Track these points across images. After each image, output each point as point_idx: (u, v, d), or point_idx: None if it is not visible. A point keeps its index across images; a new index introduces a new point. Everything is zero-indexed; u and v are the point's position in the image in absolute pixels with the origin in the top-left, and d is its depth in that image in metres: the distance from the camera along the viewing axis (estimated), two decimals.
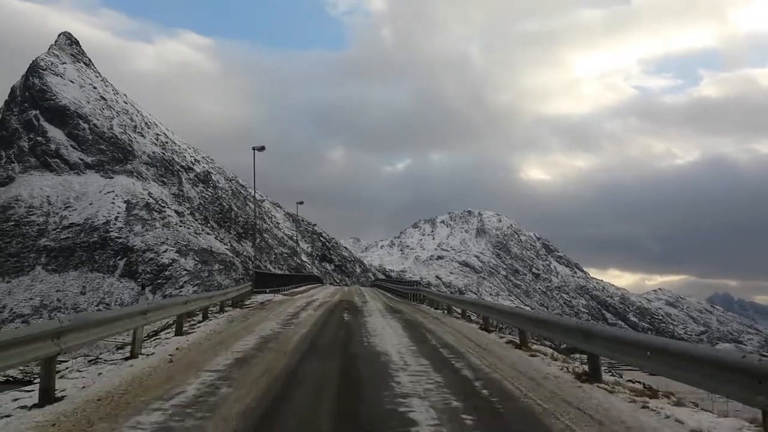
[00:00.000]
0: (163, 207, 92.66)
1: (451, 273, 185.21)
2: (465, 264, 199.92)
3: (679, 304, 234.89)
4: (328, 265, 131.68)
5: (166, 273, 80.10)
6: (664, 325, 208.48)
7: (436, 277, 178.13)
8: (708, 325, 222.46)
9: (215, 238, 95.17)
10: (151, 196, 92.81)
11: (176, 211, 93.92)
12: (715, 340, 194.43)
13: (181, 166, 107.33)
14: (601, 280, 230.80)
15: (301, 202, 59.14)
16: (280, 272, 73.47)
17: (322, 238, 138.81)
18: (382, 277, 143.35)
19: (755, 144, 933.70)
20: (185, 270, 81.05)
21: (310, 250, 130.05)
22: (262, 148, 49.44)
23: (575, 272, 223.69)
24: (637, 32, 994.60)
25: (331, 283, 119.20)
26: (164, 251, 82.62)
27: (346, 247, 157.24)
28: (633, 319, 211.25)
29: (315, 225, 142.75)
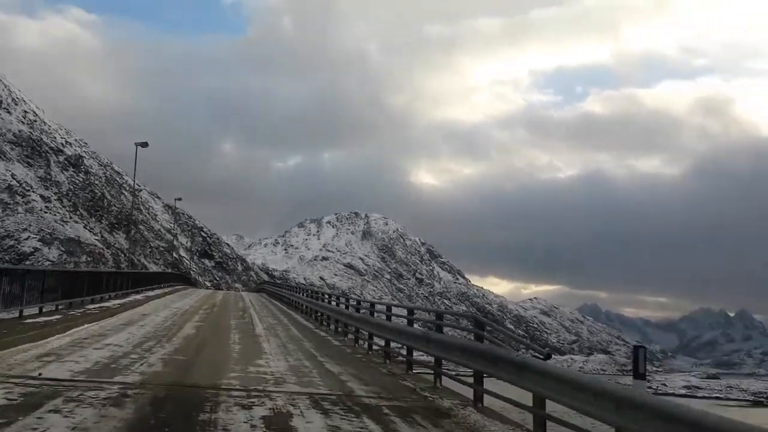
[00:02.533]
0: (28, 191, 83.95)
1: (336, 275, 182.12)
2: (350, 266, 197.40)
3: (552, 313, 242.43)
4: (208, 261, 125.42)
5: (27, 263, 72.12)
6: (538, 333, 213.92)
7: (320, 278, 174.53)
8: (579, 335, 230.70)
9: (84, 227, 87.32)
10: (14, 178, 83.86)
11: (42, 196, 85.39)
12: (586, 349, 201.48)
13: (51, 148, 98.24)
14: (481, 288, 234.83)
15: (179, 198, 54.02)
16: (108, 270, 53.13)
17: (203, 233, 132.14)
18: (265, 277, 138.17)
19: (632, 161, 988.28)
20: (48, 260, 73.31)
21: (189, 245, 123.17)
22: (144, 144, 45.10)
23: (457, 279, 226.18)
24: (531, 43, 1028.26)
25: (211, 285, 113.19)
26: (26, 239, 74.49)
27: (228, 244, 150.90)
28: (510, 326, 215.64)
29: (195, 219, 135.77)
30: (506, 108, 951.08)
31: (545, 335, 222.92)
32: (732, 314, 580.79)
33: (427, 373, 12.81)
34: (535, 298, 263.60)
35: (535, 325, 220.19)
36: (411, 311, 15.72)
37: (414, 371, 13.34)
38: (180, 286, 52.80)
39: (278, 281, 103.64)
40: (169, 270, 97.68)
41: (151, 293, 36.03)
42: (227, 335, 18.86)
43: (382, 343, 15.41)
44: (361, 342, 17.93)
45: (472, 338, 10.60)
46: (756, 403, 36.24)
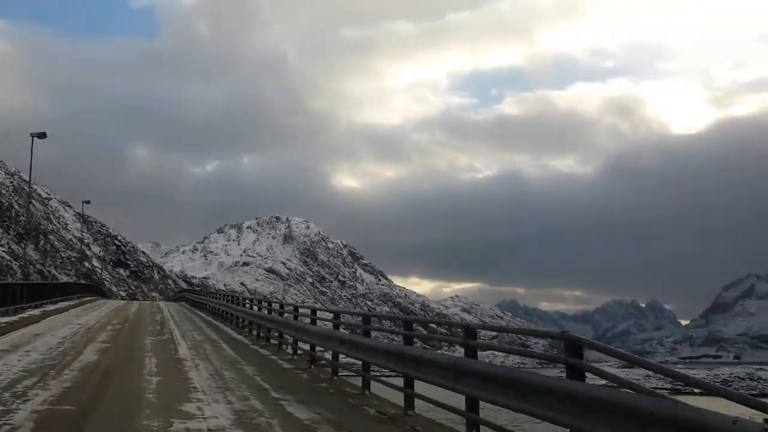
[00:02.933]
0: None
1: (257, 280, 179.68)
2: (271, 271, 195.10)
3: (473, 310, 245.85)
4: (123, 270, 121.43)
5: None
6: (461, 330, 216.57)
7: (241, 284, 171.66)
8: (499, 332, 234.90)
9: None
10: None
11: None
12: (506, 344, 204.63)
13: None
14: (404, 288, 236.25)
15: (88, 202, 50.37)
16: None
17: (117, 242, 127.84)
18: (183, 285, 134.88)
19: (547, 161, 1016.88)
20: None
21: (102, 254, 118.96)
22: (42, 135, 42.31)
23: (380, 280, 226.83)
24: (448, 47, 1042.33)
25: (126, 295, 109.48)
26: None
27: (144, 252, 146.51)
28: (432, 325, 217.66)
29: (108, 228, 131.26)
30: (425, 110, 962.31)
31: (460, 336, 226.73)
32: (644, 305, 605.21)
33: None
34: (456, 296, 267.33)
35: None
36: (337, 315, 15.26)
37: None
38: (89, 298, 47.20)
39: (198, 288, 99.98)
40: (82, 281, 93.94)
41: (52, 307, 31.11)
42: (141, 361, 14.32)
43: (329, 355, 14.03)
44: (301, 353, 15.89)
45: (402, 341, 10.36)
46: (674, 391, 37.50)
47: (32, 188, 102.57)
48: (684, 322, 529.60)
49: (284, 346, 17.70)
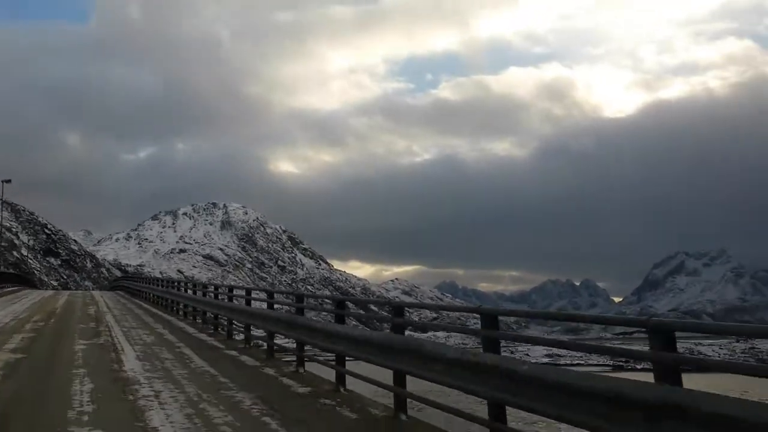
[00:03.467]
0: None
1: (194, 267, 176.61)
2: (209, 257, 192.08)
3: (413, 292, 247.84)
4: (53, 259, 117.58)
5: None
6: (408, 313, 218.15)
7: (178, 271, 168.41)
8: (439, 312, 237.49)
9: None
10: None
11: None
12: (447, 325, 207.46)
13: None
14: (344, 272, 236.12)
15: (8, 181, 47.20)
16: None
17: (47, 230, 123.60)
18: (118, 273, 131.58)
19: (484, 144, 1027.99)
20: None
21: (32, 243, 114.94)
22: (8, 181, 43.61)
23: (320, 264, 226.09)
24: (384, 32, 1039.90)
25: (58, 284, 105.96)
26: None
27: (75, 240, 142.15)
28: (374, 308, 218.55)
29: (38, 216, 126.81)
30: (362, 95, 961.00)
31: (407, 314, 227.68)
32: (578, 283, 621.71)
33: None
34: (396, 279, 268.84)
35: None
36: (271, 294, 14.97)
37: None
38: (11, 288, 42.11)
39: (135, 276, 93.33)
40: (11, 270, 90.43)
41: None
42: (64, 391, 8.77)
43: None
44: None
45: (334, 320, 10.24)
46: (616, 368, 37.98)
47: None
48: (617, 300, 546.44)
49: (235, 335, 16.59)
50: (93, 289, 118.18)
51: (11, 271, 75.43)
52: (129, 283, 48.11)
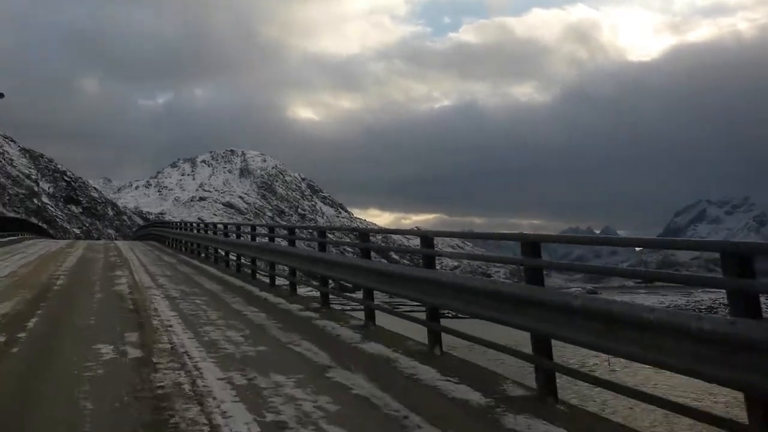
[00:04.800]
0: None
1: (215, 215, 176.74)
2: (229, 205, 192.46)
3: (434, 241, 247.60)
4: (74, 207, 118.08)
5: None
6: (422, 260, 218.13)
7: (199, 218, 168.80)
8: (460, 261, 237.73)
9: None
10: None
11: None
12: (468, 274, 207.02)
13: None
14: (364, 220, 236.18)
15: (1, 95, 40.91)
16: None
17: (66, 177, 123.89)
18: (139, 221, 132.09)
19: (506, 89, 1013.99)
20: None
21: (52, 190, 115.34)
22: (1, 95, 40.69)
23: (339, 212, 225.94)
24: None
25: (81, 233, 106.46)
26: None
27: (96, 188, 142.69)
28: (395, 256, 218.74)
29: (57, 163, 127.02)
30: (382, 38, 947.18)
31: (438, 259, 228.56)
32: (598, 231, 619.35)
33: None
34: (416, 227, 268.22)
35: (419, 255, 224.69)
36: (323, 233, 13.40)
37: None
38: (12, 238, 35.18)
39: (165, 222, 68.76)
40: (33, 219, 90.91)
41: None
42: None
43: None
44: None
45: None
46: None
47: None
48: (638, 248, 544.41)
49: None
50: (116, 239, 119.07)
51: (17, 216, 72.13)
52: (165, 230, 37.67)
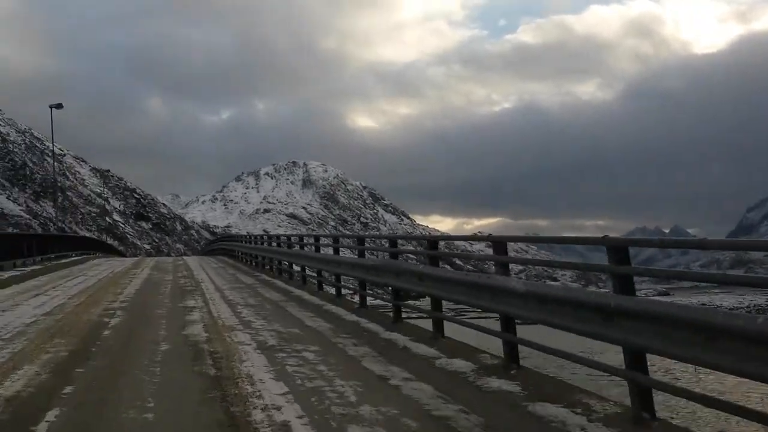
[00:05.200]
0: None
1: (279, 226, 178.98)
2: (293, 216, 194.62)
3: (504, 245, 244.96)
4: (144, 223, 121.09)
5: None
6: (486, 266, 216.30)
7: (264, 230, 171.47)
8: (526, 266, 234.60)
9: (7, 198, 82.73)
10: None
11: None
12: (533, 278, 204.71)
13: None
14: (427, 226, 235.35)
15: (59, 106, 39.89)
16: None
17: (136, 195, 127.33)
18: (207, 235, 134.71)
19: (567, 88, 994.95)
20: None
21: (122, 208, 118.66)
22: (59, 106, 41.69)
23: (402, 219, 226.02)
24: None
25: (151, 248, 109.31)
26: None
27: (164, 204, 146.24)
28: (459, 262, 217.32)
29: (126, 181, 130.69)
30: (440, 43, 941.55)
31: (493, 267, 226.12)
32: (667, 230, 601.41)
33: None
34: (479, 232, 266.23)
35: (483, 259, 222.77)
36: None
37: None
38: (74, 258, 32.50)
39: (234, 236, 68.25)
40: (105, 237, 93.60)
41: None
42: None
43: None
44: None
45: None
46: None
47: (56, 150, 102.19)
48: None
49: None
50: (185, 253, 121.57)
51: (89, 234, 72.55)
52: (234, 244, 36.15)
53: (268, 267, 23.68)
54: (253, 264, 26.61)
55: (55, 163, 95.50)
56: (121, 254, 62.54)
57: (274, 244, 24.57)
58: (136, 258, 49.12)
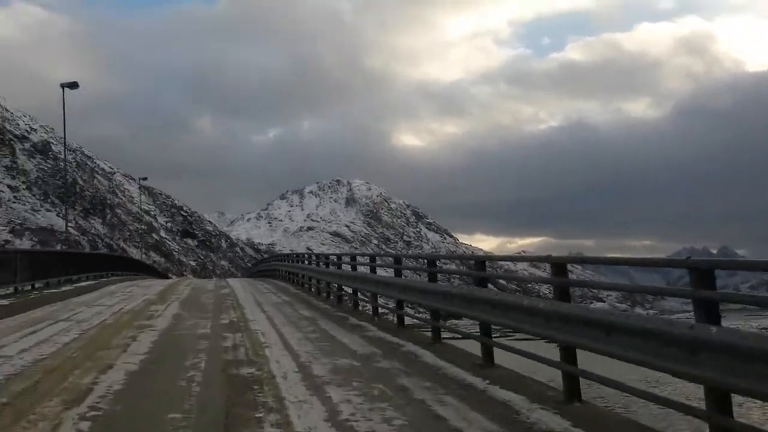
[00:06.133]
0: None
1: (323, 244, 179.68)
2: (336, 234, 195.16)
3: (541, 265, 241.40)
4: (190, 241, 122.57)
5: None
6: (530, 285, 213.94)
7: (307, 248, 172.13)
8: (592, 288, 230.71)
9: (57, 215, 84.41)
10: None
11: (9, 186, 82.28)
12: (578, 298, 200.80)
13: (15, 136, 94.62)
14: (470, 245, 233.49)
15: (145, 178, 48.13)
16: None
17: (182, 212, 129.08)
18: (251, 252, 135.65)
19: (615, 107, 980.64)
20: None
21: (170, 225, 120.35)
22: (74, 85, 40.40)
23: (445, 238, 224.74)
24: None
25: (196, 264, 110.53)
26: None
27: (210, 221, 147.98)
28: (502, 282, 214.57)
29: (174, 199, 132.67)
30: (485, 62, 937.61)
31: (537, 287, 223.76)
32: (715, 251, 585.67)
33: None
34: (523, 251, 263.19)
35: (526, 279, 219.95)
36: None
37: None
38: (89, 283, 27.06)
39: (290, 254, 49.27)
40: (152, 253, 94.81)
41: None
42: None
43: None
44: None
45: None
46: None
47: (105, 168, 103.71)
48: None
49: None
50: (229, 271, 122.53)
51: (115, 254, 63.12)
52: (284, 265, 30.84)
53: (348, 300, 17.56)
54: (328, 295, 19.89)
55: (105, 181, 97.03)
56: (160, 274, 58.42)
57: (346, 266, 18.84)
58: (169, 280, 41.42)
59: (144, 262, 59.57)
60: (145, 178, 49.10)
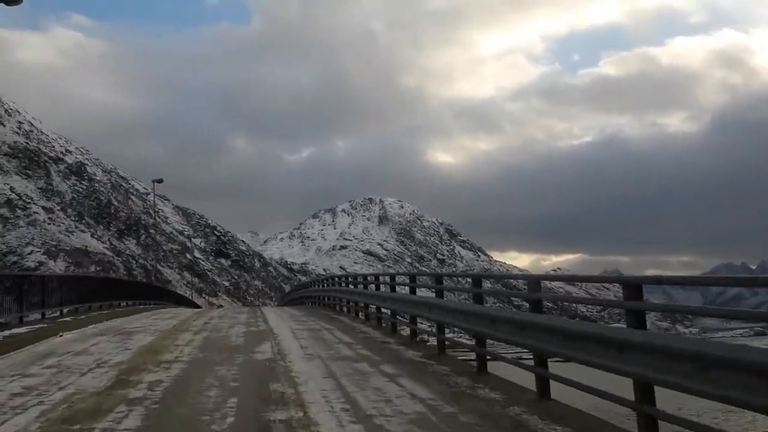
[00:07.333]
0: (28, 203, 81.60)
1: (356, 263, 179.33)
2: (369, 253, 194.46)
3: (577, 282, 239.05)
4: (224, 260, 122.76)
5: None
6: (567, 303, 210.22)
7: (341, 267, 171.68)
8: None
9: (92, 236, 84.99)
10: (12, 191, 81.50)
11: (44, 207, 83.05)
12: (615, 316, 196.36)
13: (50, 158, 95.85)
14: (504, 263, 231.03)
15: (160, 180, 49.74)
16: None
17: (216, 232, 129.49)
18: (284, 272, 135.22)
19: (650, 122, 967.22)
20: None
21: (203, 245, 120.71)
22: (160, 181, 45.22)
23: (479, 256, 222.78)
24: (539, 9, 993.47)
25: (230, 284, 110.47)
26: (29, 253, 72.07)
27: (243, 241, 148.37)
28: (549, 305, 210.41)
29: (207, 219, 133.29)
30: (518, 78, 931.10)
31: (573, 305, 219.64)
32: (754, 267, 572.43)
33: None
34: (558, 268, 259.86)
35: (562, 297, 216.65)
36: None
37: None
38: (123, 309, 24.48)
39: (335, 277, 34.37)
40: (185, 273, 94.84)
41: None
42: None
43: None
44: None
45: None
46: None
47: (140, 189, 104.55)
48: None
49: None
50: (263, 291, 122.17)
51: (131, 278, 60.25)
52: (332, 292, 25.87)
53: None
54: (385, 325, 16.27)
55: (139, 202, 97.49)
56: (186, 301, 52.00)
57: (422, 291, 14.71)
58: (188, 312, 28.94)
59: (166, 288, 53.85)
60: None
